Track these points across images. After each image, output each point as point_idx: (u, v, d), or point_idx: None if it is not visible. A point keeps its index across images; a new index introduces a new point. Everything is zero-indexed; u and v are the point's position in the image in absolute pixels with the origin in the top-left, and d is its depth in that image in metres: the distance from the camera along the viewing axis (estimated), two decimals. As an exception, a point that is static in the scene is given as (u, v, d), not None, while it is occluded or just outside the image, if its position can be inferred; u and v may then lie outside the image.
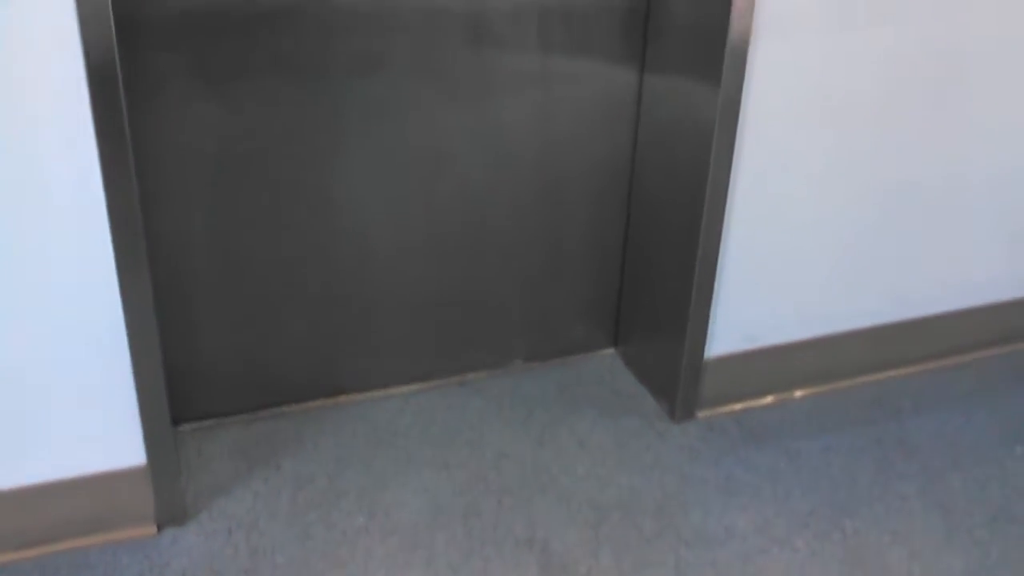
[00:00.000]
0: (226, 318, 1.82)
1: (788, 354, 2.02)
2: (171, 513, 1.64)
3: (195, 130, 1.64)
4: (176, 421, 1.86)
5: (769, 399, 2.05)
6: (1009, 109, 1.96)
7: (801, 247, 1.92)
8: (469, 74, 1.78)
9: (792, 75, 1.73)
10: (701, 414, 1.99)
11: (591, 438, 1.91)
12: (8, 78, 1.28)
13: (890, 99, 1.84)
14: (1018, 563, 1.65)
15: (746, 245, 1.86)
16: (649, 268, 2.01)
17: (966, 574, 1.63)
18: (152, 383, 1.52)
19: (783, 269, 1.93)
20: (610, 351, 2.19)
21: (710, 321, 1.90)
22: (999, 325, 2.23)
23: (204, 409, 1.89)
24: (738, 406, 2.02)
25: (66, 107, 1.31)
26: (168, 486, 1.61)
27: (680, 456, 1.87)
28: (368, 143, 1.77)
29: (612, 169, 1.98)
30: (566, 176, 1.95)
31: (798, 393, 2.07)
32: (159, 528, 1.64)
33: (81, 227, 1.38)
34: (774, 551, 1.66)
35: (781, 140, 1.79)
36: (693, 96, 1.75)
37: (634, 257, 2.06)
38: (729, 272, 1.87)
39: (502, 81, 1.81)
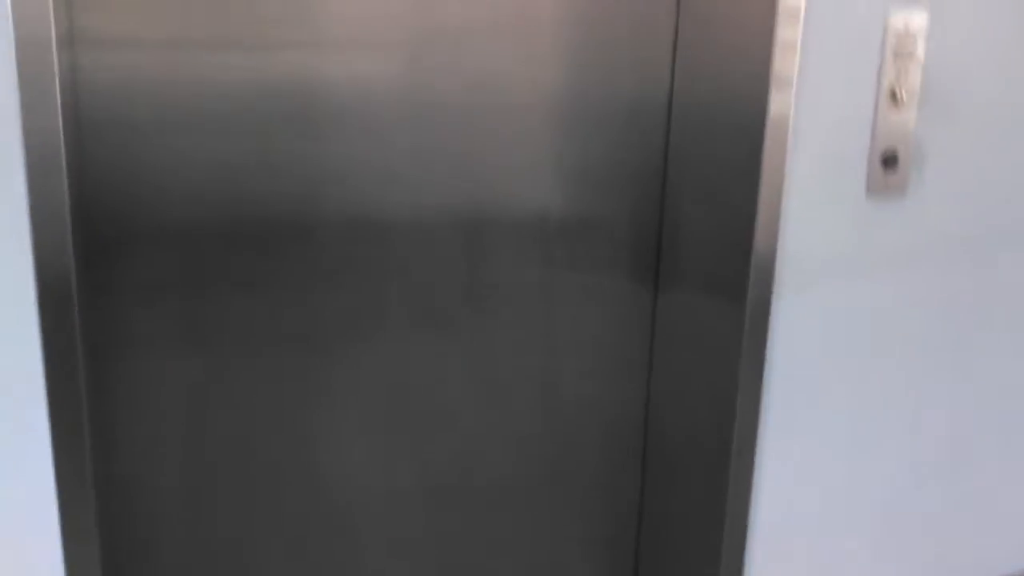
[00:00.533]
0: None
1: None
2: None
3: (162, 382, 1.53)
4: None
5: None
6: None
7: (838, 509, 1.79)
8: (465, 311, 1.69)
9: (821, 309, 1.65)
10: None
11: None
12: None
13: (923, 343, 1.77)
14: None
15: (778, 506, 1.73)
16: (669, 528, 1.85)
17: None
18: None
19: (819, 535, 1.79)
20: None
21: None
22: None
23: None
24: None
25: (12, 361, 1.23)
26: None
27: None
28: (355, 395, 1.66)
29: (624, 412, 1.86)
30: (573, 422, 1.83)
31: None
32: None
33: (24, 497, 1.28)
34: None
35: (810, 389, 1.70)
36: (713, 332, 1.65)
37: (651, 518, 1.90)
38: (759, 542, 1.73)
39: (501, 318, 1.72)
